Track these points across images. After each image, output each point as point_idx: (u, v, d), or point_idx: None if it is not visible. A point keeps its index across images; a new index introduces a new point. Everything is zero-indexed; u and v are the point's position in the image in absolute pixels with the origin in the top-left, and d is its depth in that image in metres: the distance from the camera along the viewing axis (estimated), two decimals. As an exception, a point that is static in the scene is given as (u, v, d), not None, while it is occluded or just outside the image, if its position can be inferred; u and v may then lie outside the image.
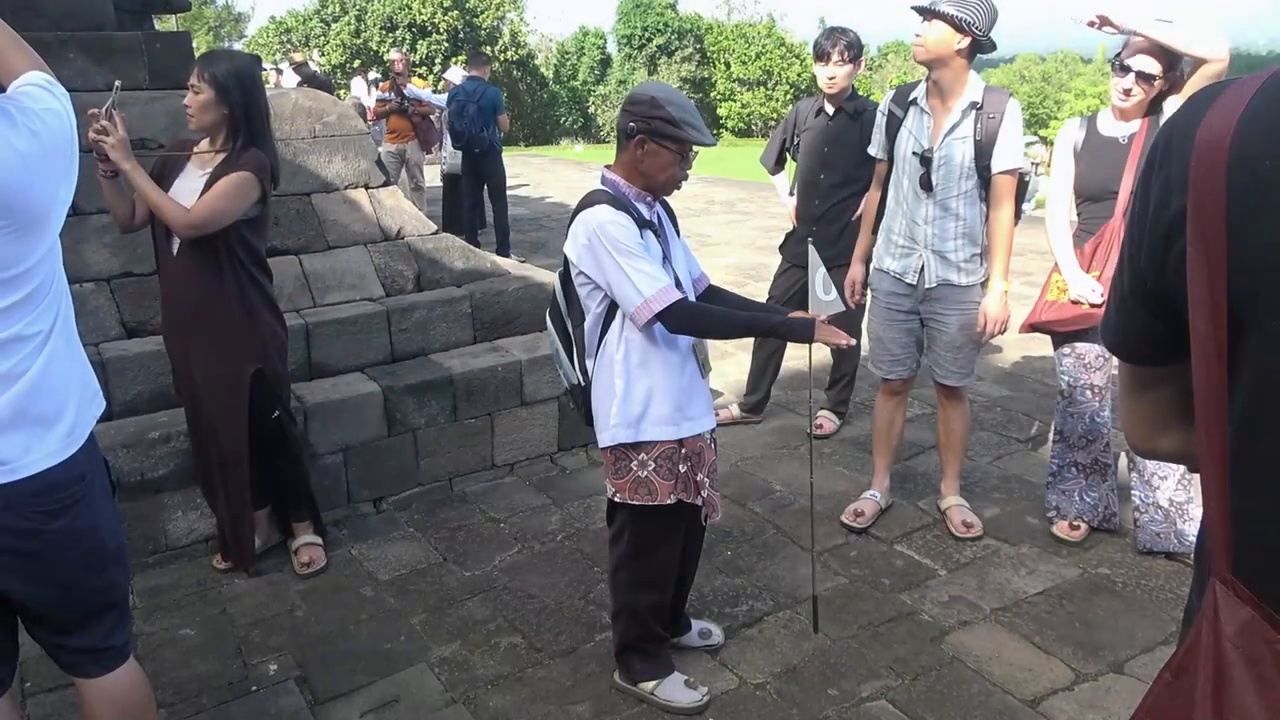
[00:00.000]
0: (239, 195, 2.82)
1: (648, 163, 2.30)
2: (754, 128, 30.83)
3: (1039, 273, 5.68)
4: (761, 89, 30.92)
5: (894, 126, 3.31)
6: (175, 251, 2.91)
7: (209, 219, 2.79)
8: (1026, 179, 3.32)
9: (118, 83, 2.65)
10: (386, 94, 8.75)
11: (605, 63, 31.75)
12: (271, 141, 2.97)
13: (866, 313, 3.63)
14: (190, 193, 2.84)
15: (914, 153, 3.20)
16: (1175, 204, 0.86)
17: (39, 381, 1.61)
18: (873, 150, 3.48)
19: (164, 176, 2.91)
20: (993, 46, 3.06)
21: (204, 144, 2.95)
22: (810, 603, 2.87)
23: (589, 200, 2.33)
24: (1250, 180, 0.79)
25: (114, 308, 3.64)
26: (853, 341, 2.39)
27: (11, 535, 1.63)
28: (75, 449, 1.69)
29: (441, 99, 8.83)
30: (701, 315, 2.39)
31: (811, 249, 2.73)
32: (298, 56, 11.50)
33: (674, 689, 2.56)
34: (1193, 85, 2.89)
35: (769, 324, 2.52)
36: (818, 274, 2.63)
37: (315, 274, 4.10)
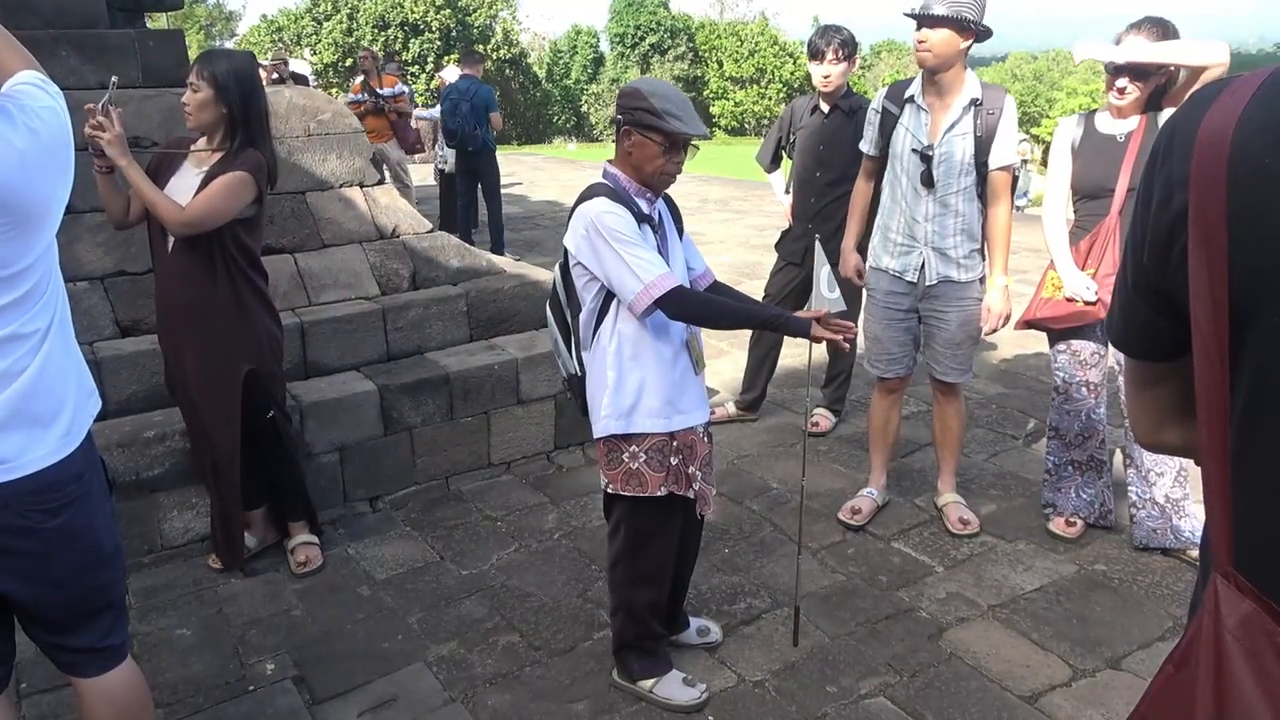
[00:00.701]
0: (234, 195, 2.81)
1: (636, 154, 2.31)
2: (747, 126, 30.89)
3: (1034, 270, 5.70)
4: (754, 87, 30.99)
5: (889, 124, 3.30)
6: (170, 250, 2.90)
7: (203, 217, 2.78)
8: (1017, 174, 3.33)
9: (114, 78, 2.64)
10: (359, 95, 8.50)
11: (598, 61, 31.79)
12: (270, 142, 2.96)
13: (862, 311, 3.63)
14: (186, 191, 2.82)
15: (913, 150, 3.20)
16: (1177, 201, 0.86)
17: (36, 380, 1.61)
18: (865, 146, 3.48)
19: (160, 174, 2.89)
20: (989, 33, 3.07)
21: (201, 142, 2.94)
22: (793, 612, 2.83)
23: (588, 193, 2.34)
24: (1251, 177, 0.79)
25: (108, 306, 3.63)
26: (846, 346, 2.39)
27: (9, 534, 1.63)
28: (72, 448, 1.68)
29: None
30: (701, 303, 2.40)
31: (818, 246, 2.71)
32: (282, 55, 11.47)
33: (672, 687, 2.56)
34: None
35: (767, 314, 2.56)
36: (822, 271, 2.62)
37: (310, 272, 4.08)
